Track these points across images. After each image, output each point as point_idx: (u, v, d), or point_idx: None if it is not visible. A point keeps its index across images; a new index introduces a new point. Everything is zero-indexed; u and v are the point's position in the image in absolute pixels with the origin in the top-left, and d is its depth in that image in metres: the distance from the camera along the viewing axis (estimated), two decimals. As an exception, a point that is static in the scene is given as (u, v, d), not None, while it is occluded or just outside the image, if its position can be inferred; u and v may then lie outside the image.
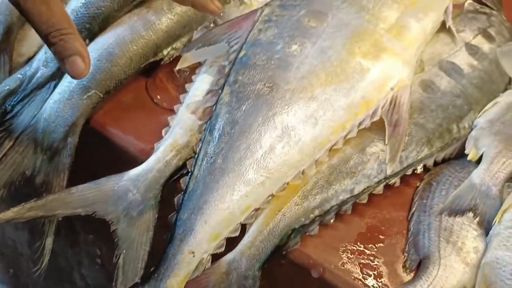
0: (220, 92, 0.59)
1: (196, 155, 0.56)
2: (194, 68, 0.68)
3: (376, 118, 0.58)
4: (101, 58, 0.62)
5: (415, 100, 0.63)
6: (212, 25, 0.69)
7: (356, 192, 0.59)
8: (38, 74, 0.64)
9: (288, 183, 0.56)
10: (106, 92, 0.63)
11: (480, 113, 0.66)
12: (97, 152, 0.66)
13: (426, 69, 0.67)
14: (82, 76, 0.47)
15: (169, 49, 0.66)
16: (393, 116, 0.59)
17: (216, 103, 0.58)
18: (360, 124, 0.58)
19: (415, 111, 0.63)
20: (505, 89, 0.72)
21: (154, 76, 0.67)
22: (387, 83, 0.60)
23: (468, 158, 0.63)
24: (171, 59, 0.67)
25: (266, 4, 0.67)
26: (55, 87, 0.64)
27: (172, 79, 0.65)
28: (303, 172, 0.56)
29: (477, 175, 0.60)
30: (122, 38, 0.64)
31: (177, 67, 0.67)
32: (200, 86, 0.63)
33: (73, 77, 0.47)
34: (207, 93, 0.60)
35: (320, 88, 0.57)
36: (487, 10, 0.82)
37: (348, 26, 0.61)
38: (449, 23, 0.72)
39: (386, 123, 0.58)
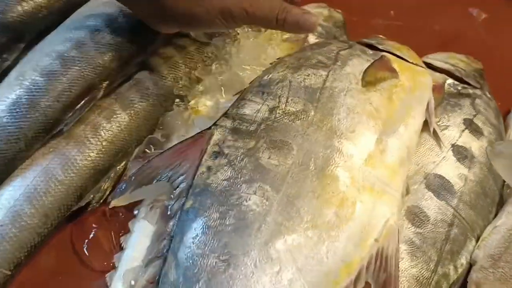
0: (162, 264, 0.46)
1: None
2: (131, 207, 0.55)
3: (360, 286, 0.47)
4: (5, 222, 0.48)
5: (403, 240, 0.53)
6: (151, 150, 0.56)
7: None
8: None
9: None
10: (16, 265, 0.49)
11: (479, 242, 0.56)
12: None
13: (412, 190, 0.57)
14: (317, 24, 0.56)
15: (97, 189, 0.53)
16: (380, 276, 0.48)
17: (158, 281, 0.46)
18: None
19: (404, 258, 0.52)
20: (500, 196, 0.63)
21: (81, 222, 0.54)
22: (371, 234, 0.48)
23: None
24: (101, 200, 0.55)
25: (216, 124, 0.55)
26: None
27: (103, 225, 0.52)
28: None
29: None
30: (33, 188, 0.50)
31: (110, 205, 0.54)
32: (138, 241, 0.50)
33: (311, 30, 0.57)
34: (147, 264, 0.47)
35: (289, 256, 0.45)
36: (470, 90, 0.73)
37: (318, 160, 0.50)
38: (433, 125, 0.62)
39: (372, 286, 0.48)
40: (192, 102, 0.62)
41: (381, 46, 0.66)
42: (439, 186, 0.58)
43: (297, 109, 0.53)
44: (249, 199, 0.47)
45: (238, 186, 0.48)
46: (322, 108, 0.53)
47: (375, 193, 0.49)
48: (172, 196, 0.50)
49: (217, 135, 0.53)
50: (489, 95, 0.73)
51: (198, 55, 0.65)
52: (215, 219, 0.46)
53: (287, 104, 0.54)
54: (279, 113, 0.53)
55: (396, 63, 0.63)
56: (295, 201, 0.47)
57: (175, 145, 0.54)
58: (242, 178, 0.48)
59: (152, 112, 0.60)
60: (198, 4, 0.53)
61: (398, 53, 0.66)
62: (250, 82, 0.60)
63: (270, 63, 0.65)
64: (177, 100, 0.62)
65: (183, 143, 0.54)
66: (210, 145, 0.52)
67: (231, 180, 0.49)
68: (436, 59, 0.77)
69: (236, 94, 0.59)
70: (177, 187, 0.50)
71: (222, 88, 0.61)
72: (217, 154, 0.51)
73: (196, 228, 0.46)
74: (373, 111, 0.55)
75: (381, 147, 0.52)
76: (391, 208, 0.50)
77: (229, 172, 0.49)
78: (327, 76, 0.57)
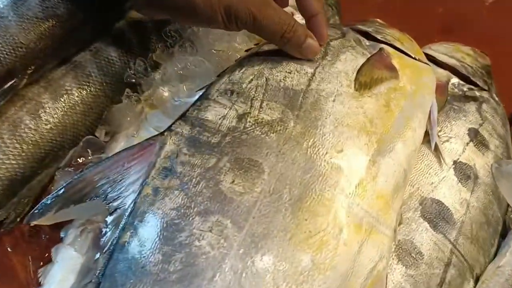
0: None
1: None
2: (58, 226, 0.44)
3: None
4: None
5: (391, 286, 0.44)
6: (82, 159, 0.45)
7: None
8: None
9: None
10: None
11: (479, 284, 0.47)
12: None
13: (405, 219, 0.48)
14: (318, 53, 0.48)
15: (14, 204, 0.42)
16: (361, 336, 0.39)
17: None
18: None
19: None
20: (504, 223, 0.54)
21: (-6, 242, 0.42)
22: (353, 285, 0.39)
23: None
24: (19, 218, 0.44)
25: (170, 129, 0.44)
26: None
27: (20, 249, 0.41)
28: None
29: None
30: None
31: (26, 221, 0.43)
32: (59, 277, 0.39)
33: (310, 56, 0.48)
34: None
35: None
36: (477, 92, 0.63)
37: (294, 188, 0.40)
38: (435, 137, 0.52)
39: None
40: (146, 93, 0.50)
41: (380, 35, 0.55)
42: (437, 215, 0.48)
43: (273, 118, 0.43)
44: (203, 238, 0.37)
45: (190, 218, 0.38)
46: (304, 118, 0.43)
47: (363, 232, 0.40)
48: (106, 221, 0.40)
49: (170, 145, 0.42)
50: (496, 98, 0.63)
51: (157, 34, 0.54)
52: (156, 262, 0.36)
53: (261, 110, 0.43)
54: (250, 122, 0.42)
55: (396, 59, 0.53)
56: (261, 243, 0.37)
57: (117, 154, 0.42)
58: (196, 209, 0.38)
59: (94, 105, 0.48)
60: None
61: (399, 45, 0.55)
62: (218, 75, 0.48)
63: (246, 50, 0.54)
64: (128, 90, 0.50)
65: (127, 152, 0.42)
66: (161, 157, 0.41)
67: (182, 210, 0.38)
68: (440, 51, 0.66)
69: (199, 90, 0.48)
70: (114, 211, 0.40)
71: (185, 77, 0.49)
72: (167, 172, 0.40)
73: (130, 274, 0.36)
74: (366, 123, 0.44)
75: (373, 171, 0.42)
76: (380, 251, 0.40)
77: (180, 199, 0.39)
78: (313, 74, 0.46)
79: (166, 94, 0.49)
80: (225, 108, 0.43)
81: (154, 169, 0.41)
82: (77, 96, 0.47)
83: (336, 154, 0.41)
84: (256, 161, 0.40)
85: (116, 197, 0.40)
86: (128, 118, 0.48)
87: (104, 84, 0.49)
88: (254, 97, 0.44)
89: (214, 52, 0.53)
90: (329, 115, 0.43)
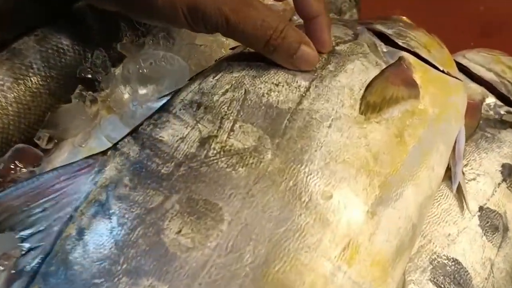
0: None
1: None
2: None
3: None
4: None
5: None
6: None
7: None
8: None
9: None
10: None
11: None
12: None
13: (409, 282, 0.38)
14: (315, 64, 0.38)
15: None
16: None
17: None
18: None
19: None
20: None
21: None
22: None
23: None
24: None
25: (115, 147, 0.34)
26: None
27: None
28: None
29: None
30: None
31: None
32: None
33: (305, 68, 0.38)
34: None
35: None
36: (516, 115, 0.52)
37: (260, 247, 0.29)
38: (458, 176, 0.41)
39: None
40: (104, 92, 0.41)
41: (402, 39, 0.45)
42: (451, 279, 0.38)
43: (246, 146, 0.33)
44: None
45: (115, 279, 0.28)
46: (286, 149, 0.33)
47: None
48: (17, 264, 0.31)
49: (111, 170, 0.33)
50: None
51: (128, 20, 0.43)
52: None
53: (231, 134, 0.33)
54: (214, 149, 0.32)
55: (419, 72, 0.42)
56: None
57: (45, 173, 0.33)
58: (125, 265, 0.29)
59: (32, 104, 0.39)
60: None
61: (424, 54, 0.44)
62: (189, 80, 0.39)
63: (231, 48, 0.43)
64: (81, 87, 0.41)
65: (58, 172, 0.33)
66: (97, 185, 0.33)
67: (107, 265, 0.29)
68: (475, 61, 0.54)
69: (164, 96, 0.38)
70: (27, 252, 0.31)
71: (151, 77, 0.40)
72: (98, 208, 0.31)
73: None
74: (369, 159, 0.34)
75: (371, 226, 0.32)
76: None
77: (107, 248, 0.29)
78: (308, 89, 0.36)
79: (126, 96, 0.39)
80: (186, 127, 0.33)
81: (86, 200, 0.32)
82: (10, 93, 0.38)
83: (323, 201, 0.31)
84: (214, 205, 0.30)
85: (34, 232, 0.31)
86: (77, 122, 0.39)
87: (49, 78, 0.39)
88: (225, 115, 0.34)
89: (196, 46, 0.43)
90: (320, 146, 0.33)
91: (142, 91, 0.39)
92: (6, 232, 0.33)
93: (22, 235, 0.31)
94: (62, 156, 0.39)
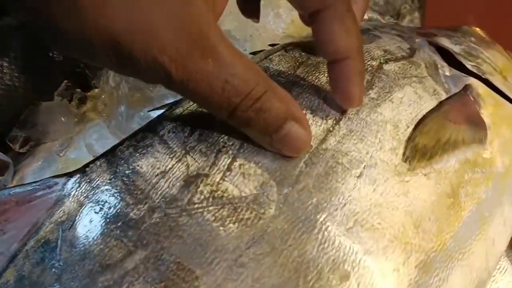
0: None
1: None
2: None
3: None
4: None
5: None
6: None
7: None
8: None
9: None
10: None
11: None
12: None
13: None
14: (305, 151, 0.26)
15: None
16: None
17: None
18: None
19: None
20: None
21: None
22: None
23: None
24: None
25: (84, 170, 0.27)
26: None
27: None
28: None
29: None
30: None
31: None
32: None
33: (291, 154, 0.26)
34: None
35: None
36: None
37: None
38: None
39: None
40: (94, 91, 0.34)
41: (471, 60, 0.35)
42: None
43: (243, 193, 0.25)
44: None
45: None
46: (296, 203, 0.24)
47: None
48: None
49: (71, 202, 0.26)
50: None
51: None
52: None
53: (227, 173, 0.25)
54: (202, 192, 0.25)
55: (489, 107, 0.32)
56: None
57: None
58: None
59: (5, 100, 0.32)
60: (73, 17, 0.23)
61: (498, 83, 0.35)
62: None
63: (252, 53, 0.35)
64: (67, 82, 0.34)
65: (11, 192, 0.27)
66: (51, 220, 0.26)
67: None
68: None
69: (162, 107, 0.30)
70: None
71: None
72: (44, 254, 0.24)
73: None
74: (407, 227, 0.25)
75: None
76: None
77: None
78: (337, 122, 0.28)
79: (119, 97, 0.32)
80: (172, 158, 0.26)
81: (35, 237, 0.25)
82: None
83: (337, 283, 0.24)
84: (189, 271, 0.23)
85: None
86: (58, 125, 0.33)
87: (28, 70, 0.33)
88: (224, 147, 0.26)
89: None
90: (343, 203, 0.25)
91: (138, 94, 0.32)
92: None
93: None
94: (35, 164, 0.33)
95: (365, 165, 0.26)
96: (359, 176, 0.26)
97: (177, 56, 0.23)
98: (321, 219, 0.24)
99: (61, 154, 0.33)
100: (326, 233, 0.24)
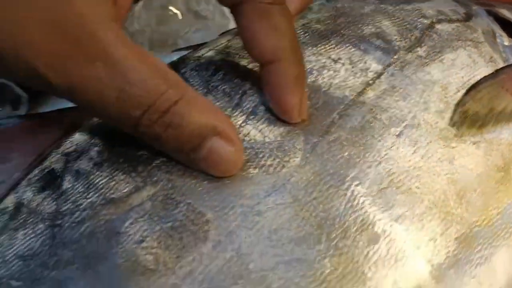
0: None
1: None
2: None
3: None
4: None
5: None
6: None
7: None
8: None
9: None
10: None
11: None
12: None
13: None
14: (235, 171, 0.21)
15: None
16: None
17: None
18: None
19: None
20: None
21: None
22: None
23: None
24: None
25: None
26: None
27: None
28: None
29: None
30: None
31: None
32: None
33: (217, 174, 0.21)
34: None
35: None
36: None
37: None
38: None
39: None
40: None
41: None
42: None
43: (267, 139, 0.22)
44: None
45: (35, 290, 0.21)
46: (326, 155, 0.21)
47: None
48: None
49: (79, 133, 0.24)
50: None
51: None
52: None
53: (251, 117, 0.22)
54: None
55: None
56: None
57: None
58: (53, 273, 0.20)
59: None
60: None
61: None
62: (220, 34, 0.29)
63: None
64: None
65: (18, 124, 0.26)
66: (57, 151, 0.23)
67: (32, 266, 0.20)
68: None
69: (181, 49, 0.28)
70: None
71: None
72: (47, 181, 0.21)
73: None
74: (449, 195, 0.22)
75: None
76: None
77: (38, 244, 0.21)
78: (378, 76, 0.25)
79: (140, 37, 0.30)
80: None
81: (39, 167, 0.23)
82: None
83: (364, 245, 0.21)
84: (200, 214, 0.20)
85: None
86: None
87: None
88: (249, 89, 0.24)
89: None
90: (378, 161, 0.22)
91: (163, 35, 0.29)
92: None
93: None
94: (51, 100, 0.32)
95: (406, 124, 0.24)
96: (398, 135, 0.23)
97: (54, 60, 0.19)
98: (352, 174, 0.22)
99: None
100: (356, 190, 0.21)
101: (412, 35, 0.27)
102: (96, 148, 0.23)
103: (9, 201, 0.22)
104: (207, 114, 0.20)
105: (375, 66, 0.25)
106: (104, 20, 0.20)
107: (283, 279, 0.20)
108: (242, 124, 0.23)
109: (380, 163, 0.22)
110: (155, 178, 0.21)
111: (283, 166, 0.22)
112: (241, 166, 0.21)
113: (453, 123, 0.24)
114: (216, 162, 0.21)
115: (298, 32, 0.26)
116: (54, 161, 0.23)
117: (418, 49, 0.26)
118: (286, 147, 0.22)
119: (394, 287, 0.20)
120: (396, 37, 0.26)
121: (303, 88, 0.23)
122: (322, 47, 0.25)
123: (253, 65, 0.24)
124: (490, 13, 0.32)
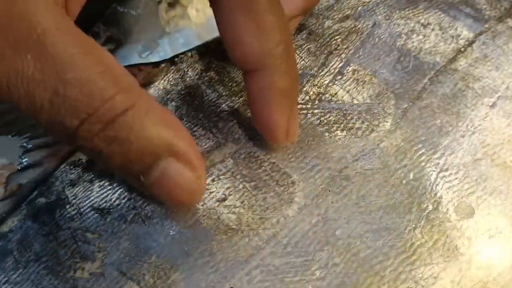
0: None
1: None
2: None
3: None
4: None
5: None
6: None
7: None
8: None
9: None
10: None
11: None
12: None
13: None
14: (194, 202, 0.18)
15: None
16: None
17: None
18: None
19: None
20: None
21: None
22: None
23: None
24: None
25: (172, 60, 0.24)
26: None
27: None
28: None
29: None
30: None
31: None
32: None
33: (177, 205, 0.18)
34: None
35: None
36: None
37: (342, 266, 0.18)
38: None
39: None
40: (185, -5, 0.31)
41: None
42: None
43: (356, 101, 0.21)
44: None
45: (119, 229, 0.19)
46: (416, 121, 0.20)
47: None
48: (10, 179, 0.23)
49: (155, 89, 0.23)
50: None
51: None
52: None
53: (339, 77, 0.21)
54: (308, 93, 0.21)
55: None
56: None
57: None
58: (133, 226, 0.20)
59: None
60: None
61: None
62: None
63: None
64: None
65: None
66: None
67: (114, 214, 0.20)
68: None
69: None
70: (25, 168, 0.23)
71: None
72: None
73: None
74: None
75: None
76: None
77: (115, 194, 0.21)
78: (470, 44, 0.23)
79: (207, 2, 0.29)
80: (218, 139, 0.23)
81: None
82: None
83: (457, 219, 0.19)
84: (285, 174, 0.19)
85: (41, 146, 0.23)
86: (144, 24, 0.30)
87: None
88: (336, 49, 0.22)
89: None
90: (471, 131, 0.21)
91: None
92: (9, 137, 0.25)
93: (25, 144, 0.24)
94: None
95: (499, 96, 0.22)
96: (492, 106, 0.22)
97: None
98: (445, 143, 0.20)
99: (143, 55, 0.31)
100: (449, 159, 0.20)
101: (501, 6, 0.25)
102: (173, 103, 0.22)
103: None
104: (163, 128, 0.16)
105: (466, 34, 0.23)
106: (46, 9, 0.15)
107: (371, 248, 0.19)
108: (329, 84, 0.21)
109: (473, 133, 0.21)
110: (236, 135, 0.20)
111: (372, 130, 0.20)
112: (202, 196, 0.18)
113: None
114: (169, 189, 0.17)
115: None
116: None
117: (509, 20, 0.25)
118: (376, 111, 0.21)
119: (488, 263, 0.19)
120: (485, 6, 0.25)
121: (293, 105, 0.19)
122: (410, 11, 0.24)
123: (339, 25, 0.23)
124: None
